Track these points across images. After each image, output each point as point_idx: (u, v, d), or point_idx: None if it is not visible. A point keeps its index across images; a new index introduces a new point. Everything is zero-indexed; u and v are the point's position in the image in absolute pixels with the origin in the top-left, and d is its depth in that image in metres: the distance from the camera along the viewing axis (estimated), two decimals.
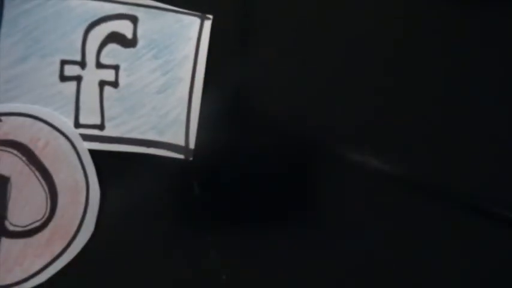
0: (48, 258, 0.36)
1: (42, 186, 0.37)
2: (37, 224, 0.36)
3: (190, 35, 0.38)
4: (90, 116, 0.38)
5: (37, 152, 0.37)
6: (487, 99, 0.38)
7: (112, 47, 0.38)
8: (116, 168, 0.38)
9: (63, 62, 0.38)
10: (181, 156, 0.38)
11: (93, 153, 0.37)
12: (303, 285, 0.37)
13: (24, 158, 0.37)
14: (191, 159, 0.38)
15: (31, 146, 0.37)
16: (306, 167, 0.38)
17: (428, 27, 0.39)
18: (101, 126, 0.38)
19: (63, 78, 0.38)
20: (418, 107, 0.38)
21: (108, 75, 0.38)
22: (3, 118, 0.37)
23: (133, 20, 0.38)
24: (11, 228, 0.36)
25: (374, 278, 0.38)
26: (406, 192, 0.37)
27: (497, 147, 0.38)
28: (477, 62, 0.38)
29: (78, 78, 0.38)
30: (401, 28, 0.38)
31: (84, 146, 0.37)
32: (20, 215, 0.36)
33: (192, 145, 0.38)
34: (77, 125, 0.38)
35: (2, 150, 0.37)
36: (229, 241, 0.38)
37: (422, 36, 0.38)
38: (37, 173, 0.37)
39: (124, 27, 0.38)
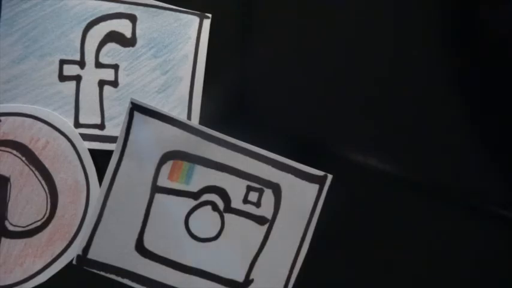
0: (48, 258, 0.36)
1: (42, 186, 0.37)
2: (37, 224, 0.37)
3: (189, 34, 0.38)
4: (90, 116, 0.38)
5: (37, 152, 0.37)
6: (487, 100, 0.38)
7: (111, 46, 0.38)
8: None
9: (62, 62, 0.38)
10: None
11: (93, 152, 0.37)
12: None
13: (24, 158, 0.37)
14: None
15: (31, 146, 0.37)
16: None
17: (428, 31, 0.38)
18: (101, 126, 0.38)
19: (63, 78, 0.38)
20: (418, 108, 0.38)
21: (108, 74, 0.38)
22: (3, 118, 0.37)
23: (132, 19, 0.38)
24: (11, 228, 0.36)
25: (374, 277, 0.38)
26: (406, 192, 0.37)
27: (497, 147, 0.38)
28: (476, 64, 0.38)
29: (77, 78, 0.38)
30: (402, 29, 0.38)
31: (84, 146, 0.37)
32: (20, 215, 0.37)
33: None
34: (77, 124, 0.38)
35: (2, 150, 0.37)
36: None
37: (422, 37, 0.38)
38: (37, 173, 0.37)
39: (123, 26, 0.38)
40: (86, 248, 0.36)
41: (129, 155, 0.36)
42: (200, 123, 0.38)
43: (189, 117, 0.38)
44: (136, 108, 0.36)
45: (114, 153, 0.36)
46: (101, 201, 0.36)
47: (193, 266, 0.37)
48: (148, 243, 0.37)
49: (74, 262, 0.36)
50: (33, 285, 0.36)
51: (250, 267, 0.37)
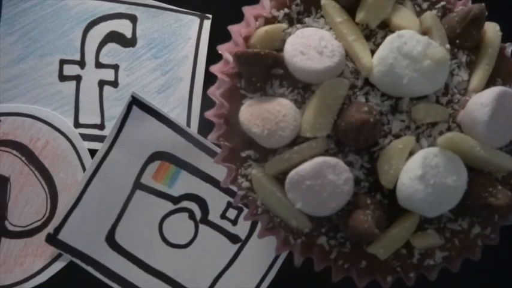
0: (48, 258, 0.37)
1: (42, 186, 0.37)
2: (37, 223, 0.37)
3: (189, 35, 0.38)
4: (90, 116, 0.38)
5: (37, 152, 0.37)
6: None
7: (111, 46, 0.38)
8: None
9: (62, 62, 0.38)
10: None
11: (93, 152, 0.37)
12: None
13: (24, 158, 0.37)
14: None
15: (31, 146, 0.37)
16: None
17: None
18: (101, 126, 0.38)
19: (63, 77, 0.38)
20: None
21: (108, 74, 0.38)
22: (2, 118, 0.37)
23: (133, 19, 0.38)
24: (11, 228, 0.37)
25: None
26: None
27: None
28: None
29: (77, 78, 0.38)
30: None
31: (84, 146, 0.37)
32: (20, 215, 0.37)
33: None
34: (77, 124, 0.38)
35: (2, 150, 0.37)
36: None
37: None
38: (37, 173, 0.37)
39: (123, 27, 0.38)
40: (58, 228, 0.36)
41: (119, 146, 0.37)
42: (200, 123, 0.38)
43: (188, 117, 0.38)
44: (135, 102, 0.37)
45: (105, 141, 0.37)
46: (82, 185, 0.36)
47: (158, 269, 0.37)
48: (119, 237, 0.37)
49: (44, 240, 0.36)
50: (33, 285, 0.36)
51: (213, 282, 0.37)
